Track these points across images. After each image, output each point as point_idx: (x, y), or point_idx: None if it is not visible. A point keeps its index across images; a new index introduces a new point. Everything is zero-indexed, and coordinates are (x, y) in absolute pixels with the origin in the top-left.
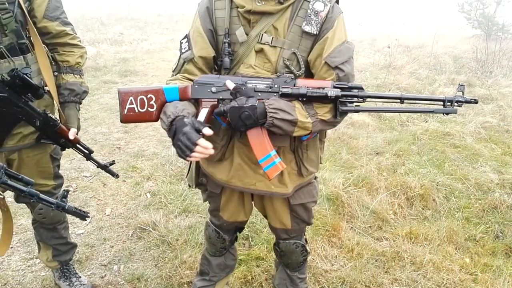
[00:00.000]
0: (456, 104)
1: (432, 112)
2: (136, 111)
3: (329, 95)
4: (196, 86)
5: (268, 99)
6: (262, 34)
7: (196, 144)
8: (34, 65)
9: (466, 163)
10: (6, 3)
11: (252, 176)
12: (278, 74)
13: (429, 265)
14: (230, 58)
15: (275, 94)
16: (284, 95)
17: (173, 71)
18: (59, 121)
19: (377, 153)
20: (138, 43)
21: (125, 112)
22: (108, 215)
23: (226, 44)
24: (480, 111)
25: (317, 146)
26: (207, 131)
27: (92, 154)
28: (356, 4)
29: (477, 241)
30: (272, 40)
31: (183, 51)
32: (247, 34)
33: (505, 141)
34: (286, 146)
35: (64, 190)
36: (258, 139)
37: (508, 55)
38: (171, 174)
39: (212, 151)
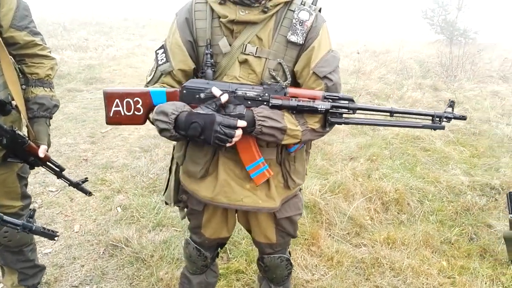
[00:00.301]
0: (444, 119)
1: (421, 127)
2: (122, 114)
3: (319, 109)
4: (185, 92)
5: (256, 107)
6: (246, 45)
7: (237, 128)
8: (0, 78)
9: (437, 166)
10: None
11: (239, 192)
12: (268, 82)
13: (408, 270)
14: (213, 69)
15: (264, 103)
16: (274, 107)
17: (147, 83)
18: (27, 138)
19: (351, 158)
20: (103, 49)
21: (111, 115)
22: (77, 232)
23: (208, 56)
24: None
25: (304, 158)
26: (224, 97)
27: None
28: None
29: (452, 244)
30: (256, 50)
31: (160, 62)
32: (230, 45)
33: (473, 143)
34: (272, 159)
35: (30, 209)
36: (246, 147)
37: (471, 59)
38: (143, 186)
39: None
